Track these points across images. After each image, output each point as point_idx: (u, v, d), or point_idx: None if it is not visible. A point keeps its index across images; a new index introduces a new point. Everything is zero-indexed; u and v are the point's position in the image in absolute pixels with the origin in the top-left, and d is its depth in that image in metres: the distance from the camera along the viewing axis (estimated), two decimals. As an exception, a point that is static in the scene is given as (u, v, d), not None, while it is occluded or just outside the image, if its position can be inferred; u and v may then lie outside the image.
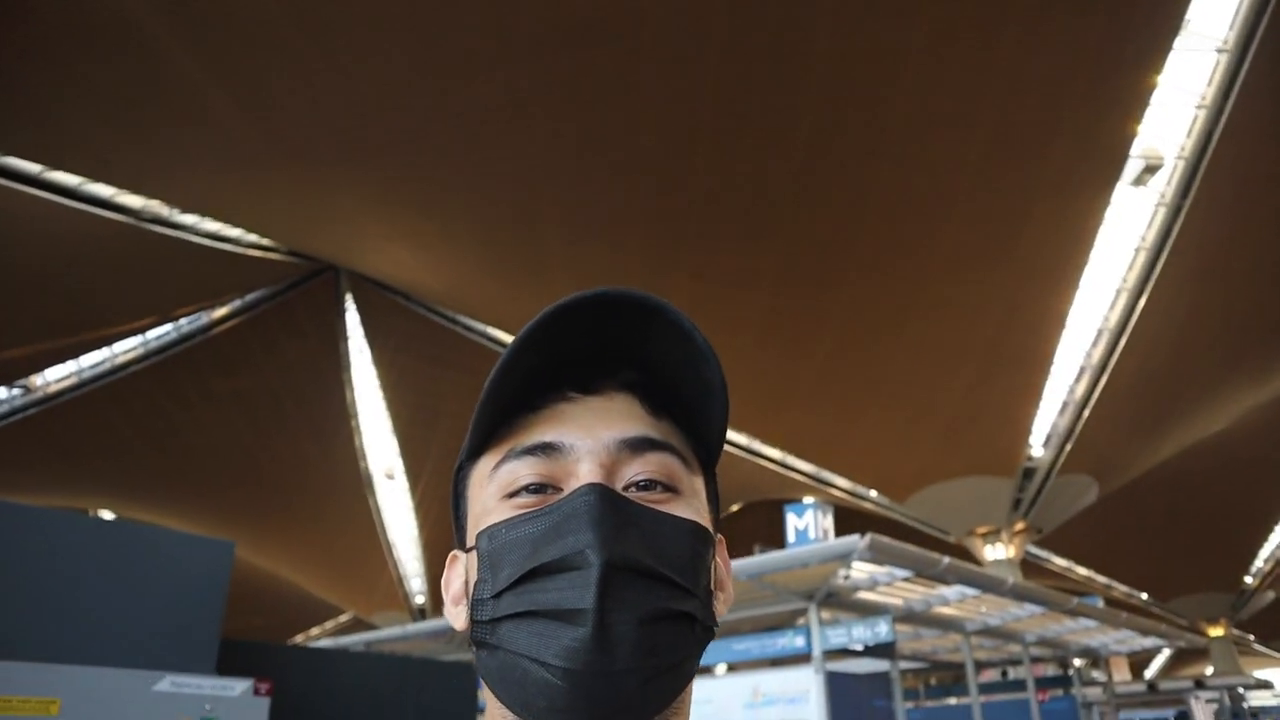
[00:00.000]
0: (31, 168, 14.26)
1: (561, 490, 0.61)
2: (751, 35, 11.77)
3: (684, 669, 0.59)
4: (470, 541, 0.64)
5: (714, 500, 0.70)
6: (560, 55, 11.85)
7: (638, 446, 0.63)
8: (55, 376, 20.71)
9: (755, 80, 12.49)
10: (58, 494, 23.31)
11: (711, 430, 0.68)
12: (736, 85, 12.54)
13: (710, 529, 0.65)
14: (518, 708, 0.57)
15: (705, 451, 0.69)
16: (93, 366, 20.72)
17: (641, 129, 13.28)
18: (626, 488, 0.62)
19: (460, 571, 0.66)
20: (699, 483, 0.67)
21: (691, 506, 0.64)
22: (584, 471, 0.61)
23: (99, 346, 20.06)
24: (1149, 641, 17.97)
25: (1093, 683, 18.61)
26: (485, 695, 0.63)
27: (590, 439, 0.62)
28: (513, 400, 0.63)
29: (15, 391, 20.60)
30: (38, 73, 11.51)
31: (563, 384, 0.65)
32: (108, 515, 26.10)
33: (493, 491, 0.62)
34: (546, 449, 0.62)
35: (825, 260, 15.99)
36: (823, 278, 16.41)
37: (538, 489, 0.61)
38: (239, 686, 3.12)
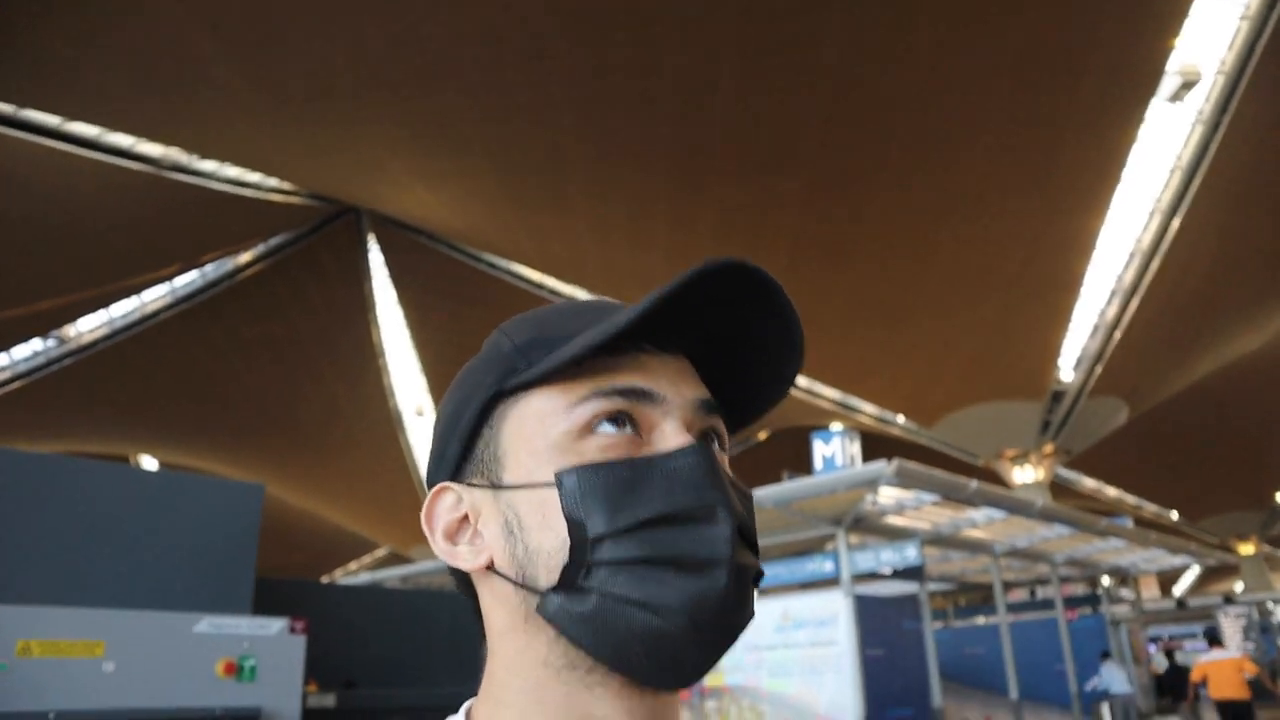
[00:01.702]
0: (51, 120, 14.28)
1: (641, 437, 0.59)
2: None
3: None
4: (523, 479, 0.59)
5: None
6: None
7: (709, 409, 0.62)
8: (87, 327, 21.04)
9: (781, 7, 12.16)
10: (99, 442, 23.88)
11: (749, 415, 0.68)
12: (762, 12, 12.22)
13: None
14: (605, 652, 0.54)
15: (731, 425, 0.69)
16: (123, 316, 21.02)
17: (664, 59, 13.02)
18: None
19: (453, 507, 0.62)
20: None
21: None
22: (670, 427, 0.59)
23: (128, 295, 20.31)
24: (1178, 560, 17.99)
25: (1121, 600, 18.74)
26: (519, 637, 0.59)
27: (676, 394, 0.60)
28: (616, 338, 0.59)
29: (50, 343, 20.98)
30: (52, 25, 11.44)
31: (643, 337, 0.62)
32: (149, 461, 26.74)
33: (567, 429, 0.58)
34: (638, 395, 0.59)
35: (852, 186, 15.73)
36: (849, 204, 16.17)
37: (617, 420, 0.58)
38: (275, 625, 3.21)
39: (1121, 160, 15.13)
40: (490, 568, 0.60)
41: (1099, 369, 20.55)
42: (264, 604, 3.60)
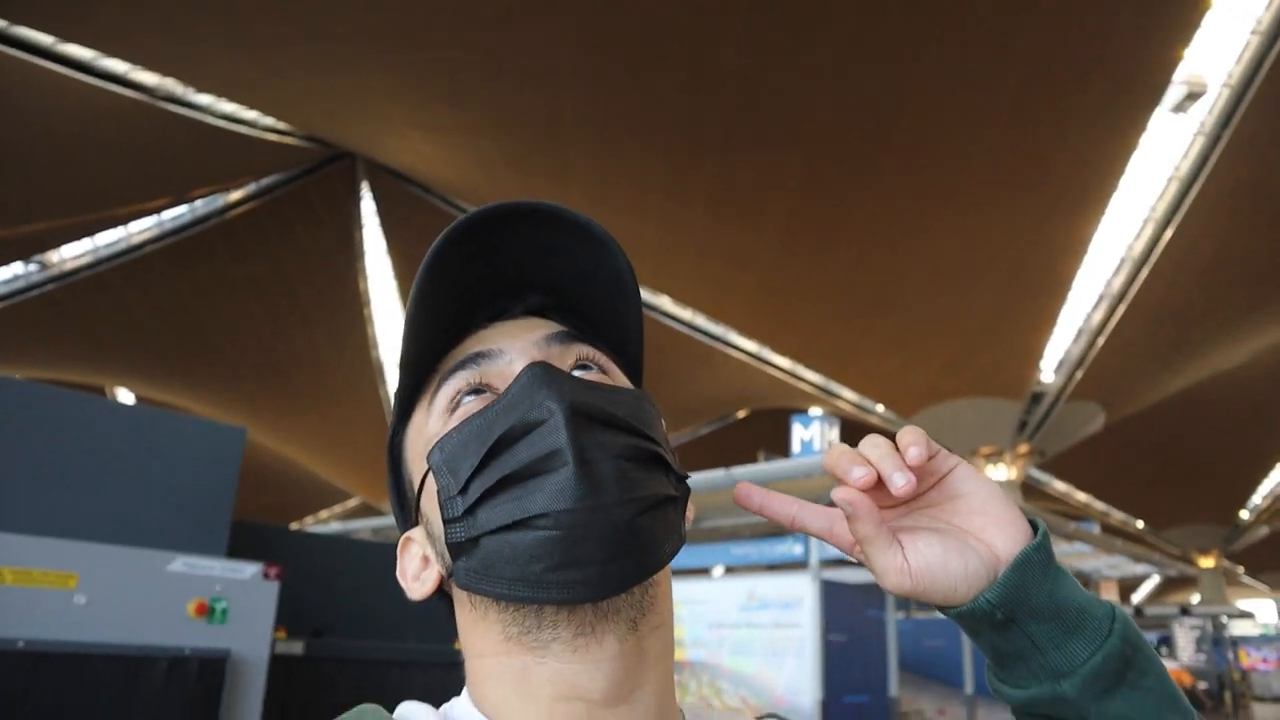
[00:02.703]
0: (44, 39, 13.97)
1: (499, 388, 0.61)
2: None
3: (669, 516, 0.57)
4: (418, 483, 0.62)
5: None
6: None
7: (565, 339, 0.63)
8: (71, 254, 20.75)
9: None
10: (75, 370, 23.64)
11: (629, 336, 0.68)
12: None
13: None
14: (513, 588, 0.54)
15: (628, 365, 0.68)
16: (108, 245, 20.73)
17: (667, 27, 12.88)
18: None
19: (416, 552, 0.64)
20: (622, 375, 0.67)
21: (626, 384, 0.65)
22: (521, 360, 0.61)
23: (114, 225, 20.02)
24: (1140, 568, 18.29)
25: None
26: (469, 639, 0.61)
27: (518, 341, 0.62)
28: (431, 353, 0.62)
29: (32, 267, 20.69)
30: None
31: (472, 325, 0.64)
32: (125, 394, 26.53)
33: (433, 421, 0.61)
34: (478, 358, 0.61)
35: (851, 170, 15.69)
36: (847, 188, 16.14)
37: (477, 390, 0.61)
38: (249, 570, 3.21)
39: (1121, 166, 15.15)
40: (439, 589, 0.62)
41: (1080, 373, 20.70)
42: (239, 548, 3.59)
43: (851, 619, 11.13)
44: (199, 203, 20.57)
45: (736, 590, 11.48)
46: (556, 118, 15.16)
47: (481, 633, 0.59)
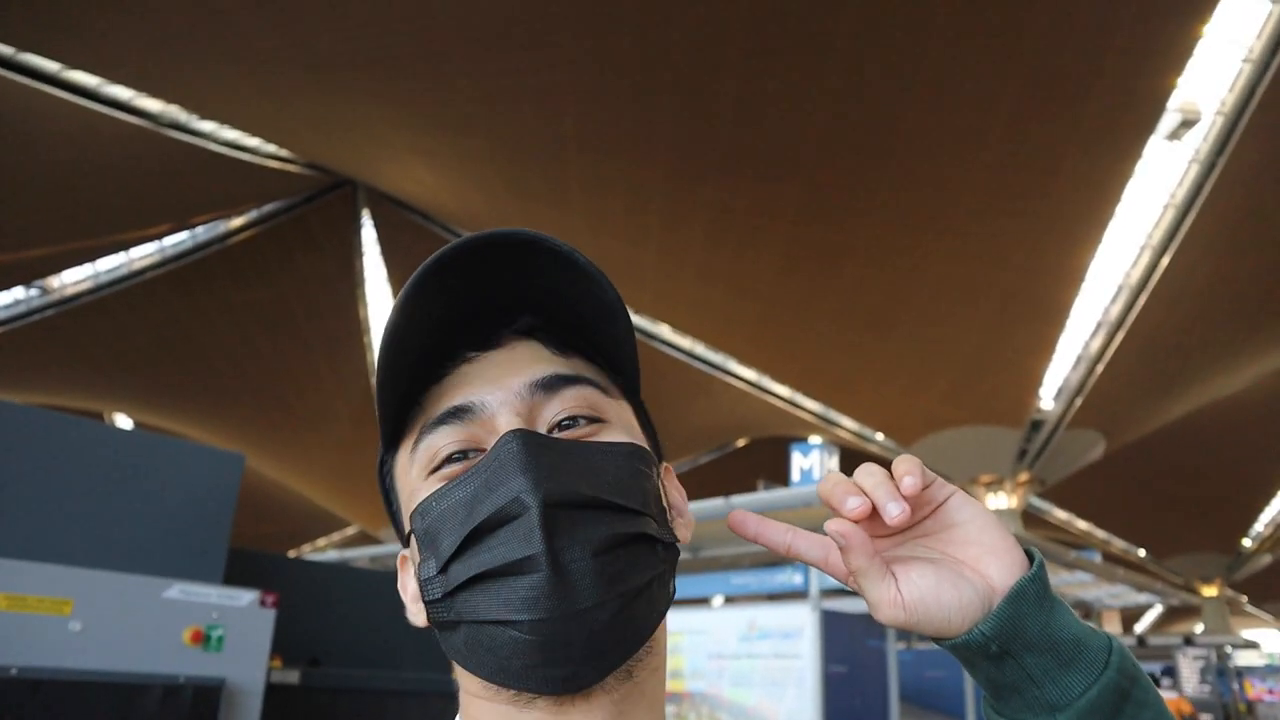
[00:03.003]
0: (50, 65, 14.10)
1: (484, 451, 0.59)
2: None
3: (653, 593, 0.57)
4: (409, 529, 0.62)
5: (649, 427, 0.68)
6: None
7: (551, 385, 0.61)
8: (72, 279, 20.80)
9: (786, 12, 12.17)
10: (74, 396, 23.61)
11: (623, 353, 0.66)
12: (767, 15, 12.22)
13: (648, 449, 0.63)
14: (495, 676, 0.55)
15: (624, 379, 0.67)
16: (109, 271, 20.80)
17: (667, 53, 13.00)
18: (550, 430, 0.60)
19: (412, 571, 0.63)
20: (626, 411, 0.66)
21: (621, 433, 0.63)
22: (502, 424, 0.59)
23: (116, 251, 20.09)
24: (1143, 598, 18.16)
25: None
26: (459, 675, 0.61)
27: (500, 390, 0.60)
28: (413, 378, 0.61)
29: (33, 292, 20.73)
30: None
31: (459, 347, 0.62)
32: (123, 420, 26.48)
33: (417, 473, 0.60)
34: (459, 413, 0.60)
35: (848, 199, 15.77)
36: (844, 216, 16.21)
37: (460, 456, 0.59)
38: (245, 597, 3.18)
39: (1116, 193, 15.23)
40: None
41: (1079, 401, 20.69)
42: (235, 575, 3.57)
43: (852, 649, 11.04)
44: (200, 229, 20.66)
45: (737, 620, 11.38)
46: (556, 144, 15.25)
47: (468, 676, 0.59)
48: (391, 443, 0.64)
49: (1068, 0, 11.99)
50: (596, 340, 0.65)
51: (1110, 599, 18.02)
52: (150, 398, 24.87)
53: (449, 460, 0.59)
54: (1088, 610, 19.14)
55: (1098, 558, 17.10)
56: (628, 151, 15.30)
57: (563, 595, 0.51)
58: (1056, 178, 14.87)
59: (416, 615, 0.62)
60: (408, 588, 0.64)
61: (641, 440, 0.63)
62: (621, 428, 0.63)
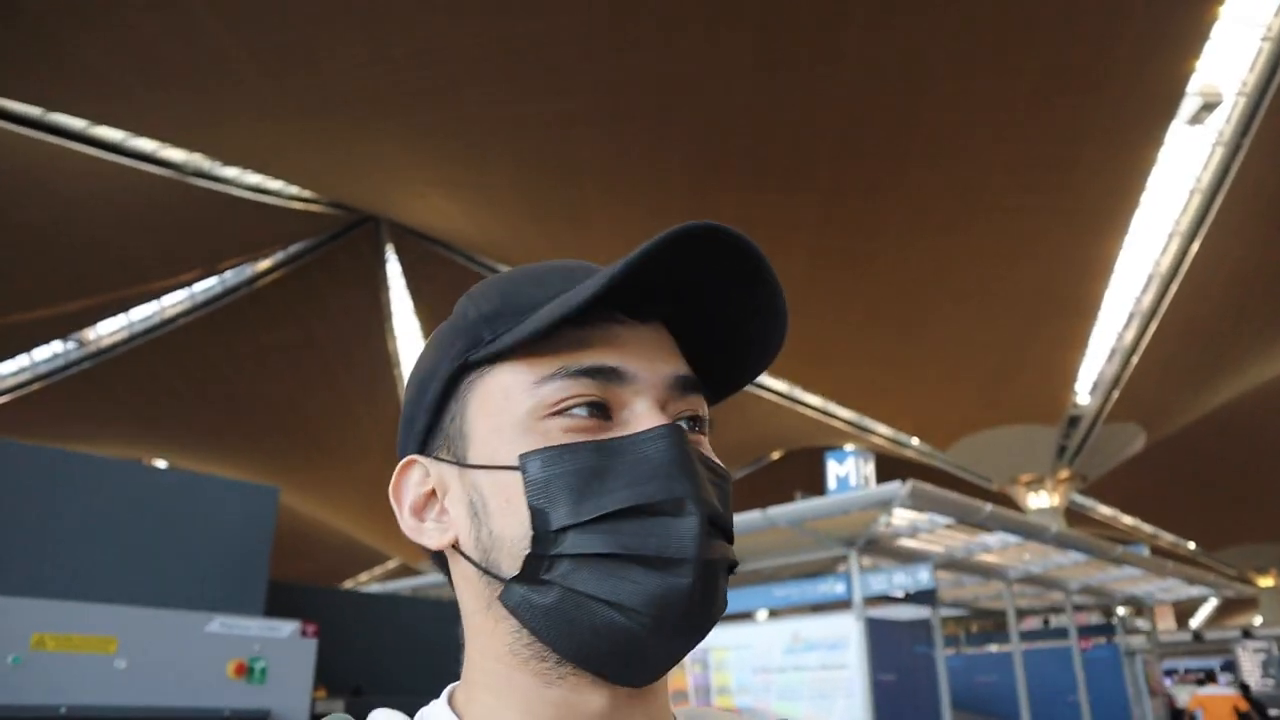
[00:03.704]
0: (77, 123, 14.45)
1: (611, 419, 0.56)
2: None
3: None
4: (485, 459, 0.56)
5: None
6: (601, 8, 11.67)
7: (686, 386, 0.59)
8: (107, 330, 21.20)
9: (797, 24, 12.21)
10: (114, 445, 24.01)
11: (731, 386, 0.65)
12: (778, 30, 12.26)
13: None
14: (571, 650, 0.52)
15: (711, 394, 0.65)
16: (142, 320, 21.17)
17: (680, 76, 13.07)
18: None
19: (421, 481, 0.60)
20: None
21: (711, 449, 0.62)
22: (642, 406, 0.56)
23: (148, 300, 20.46)
24: (1195, 591, 17.75)
25: (1136, 631, 18.49)
26: (487, 627, 0.57)
27: (650, 371, 0.57)
28: (579, 310, 0.55)
29: (70, 345, 21.15)
30: (81, 30, 11.60)
31: (611, 303, 0.57)
32: (161, 464, 26.87)
33: (531, 408, 0.55)
34: (607, 373, 0.56)
35: (868, 206, 15.73)
36: (866, 224, 16.16)
37: (594, 409, 0.55)
38: (286, 629, 3.20)
39: (1141, 182, 15.06)
40: (456, 547, 0.57)
41: (1116, 394, 20.39)
42: (276, 607, 3.59)
43: (899, 657, 10.90)
44: (228, 273, 21.00)
45: (780, 633, 11.29)
46: (573, 167, 15.36)
47: (489, 634, 0.56)
48: (492, 359, 0.58)
49: (1077, -9, 11.93)
50: (720, 358, 0.64)
51: (1162, 593, 17.65)
52: (187, 441, 25.22)
53: (580, 408, 0.55)
54: (1140, 606, 18.76)
55: (1146, 552, 16.77)
56: (645, 170, 15.38)
57: (697, 606, 0.51)
58: (1078, 170, 14.74)
59: (422, 532, 0.59)
60: (407, 493, 0.60)
61: None
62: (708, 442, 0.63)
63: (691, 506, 0.51)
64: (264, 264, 21.20)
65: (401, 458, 0.62)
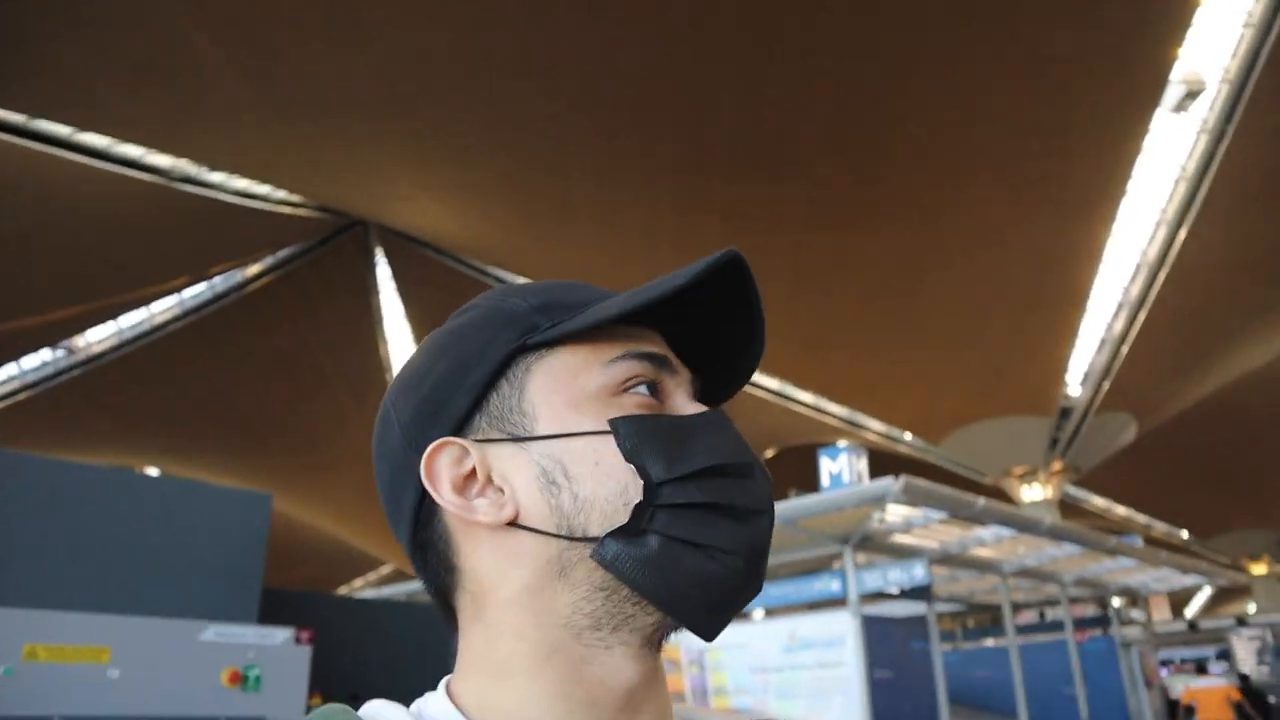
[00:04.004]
0: (62, 130, 14.37)
1: (662, 404, 0.62)
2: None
3: None
4: (561, 428, 0.59)
5: None
6: (583, 4, 11.65)
7: (698, 389, 0.67)
8: (97, 338, 21.09)
9: (780, 21, 12.22)
10: (105, 453, 23.89)
11: (713, 400, 0.70)
12: (761, 26, 12.27)
13: None
14: (662, 597, 0.56)
15: None
16: (132, 327, 21.07)
17: (666, 75, 13.08)
18: None
19: (455, 460, 0.59)
20: None
21: None
22: (683, 395, 0.63)
23: (137, 307, 20.37)
24: (1189, 580, 17.84)
25: (1131, 622, 18.57)
26: (522, 607, 0.57)
27: (686, 370, 0.66)
28: (638, 309, 0.61)
29: (59, 353, 21.03)
30: (64, 37, 11.53)
31: (644, 312, 0.63)
32: (153, 473, 26.75)
33: (604, 384, 0.60)
34: (663, 362, 0.63)
35: (855, 199, 15.75)
36: (853, 217, 16.19)
37: (653, 389, 0.62)
38: (280, 636, 3.19)
39: (1126, 171, 15.11)
40: (515, 522, 0.58)
41: (1106, 384, 20.47)
42: (271, 614, 3.57)
43: (896, 654, 10.91)
44: (218, 279, 20.91)
45: (777, 632, 11.30)
46: (561, 169, 15.35)
47: (539, 609, 0.57)
48: (551, 343, 0.61)
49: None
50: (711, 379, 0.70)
51: (1156, 583, 17.74)
52: (179, 449, 25.12)
53: (645, 390, 0.61)
54: (1135, 597, 18.84)
55: (1139, 543, 16.84)
56: (633, 171, 15.38)
57: (764, 553, 0.59)
58: (1064, 159, 14.78)
59: (485, 510, 0.59)
60: (443, 475, 0.59)
61: None
62: None
63: (758, 472, 0.60)
64: (253, 269, 21.11)
65: (412, 444, 0.61)
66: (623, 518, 0.56)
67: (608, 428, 0.58)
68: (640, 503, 0.56)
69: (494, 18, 11.93)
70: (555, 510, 0.57)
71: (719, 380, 0.70)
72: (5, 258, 16.31)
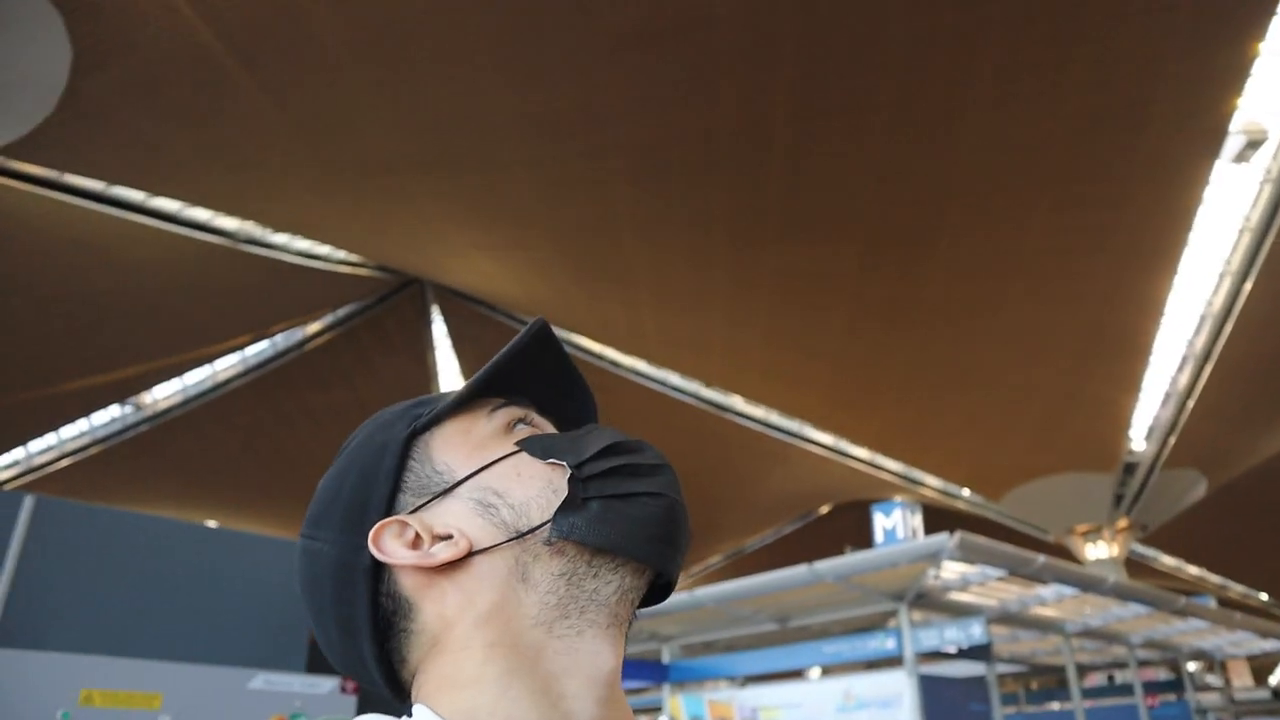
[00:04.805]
0: (135, 195, 15.04)
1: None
2: (825, 27, 11.65)
3: None
4: (481, 462, 0.68)
5: None
6: (635, 59, 11.92)
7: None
8: (163, 394, 21.76)
9: (830, 70, 12.35)
10: (168, 506, 24.47)
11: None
12: (812, 76, 12.42)
13: None
14: (622, 543, 0.63)
15: None
16: (197, 384, 21.71)
17: (717, 129, 13.26)
18: None
19: (399, 532, 0.64)
20: None
21: None
22: (552, 429, 0.77)
23: (202, 364, 21.00)
24: (1269, 644, 17.02)
25: (1208, 688, 17.73)
26: (483, 632, 0.61)
27: (546, 419, 0.78)
28: (486, 383, 0.73)
29: (128, 409, 21.72)
30: (138, 110, 12.15)
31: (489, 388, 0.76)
32: (212, 524, 27.26)
33: (495, 428, 0.71)
34: (528, 409, 0.75)
35: (909, 251, 15.67)
36: (907, 269, 16.09)
37: (527, 423, 0.74)
38: (327, 685, 3.23)
39: (1187, 221, 14.83)
40: (470, 554, 0.64)
41: (1173, 439, 19.85)
42: (318, 663, 3.63)
43: (955, 715, 10.57)
44: (279, 337, 21.49)
45: (832, 691, 11.03)
46: (614, 226, 15.56)
47: (507, 617, 0.62)
48: (434, 421, 0.72)
49: (1113, 32, 11.91)
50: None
51: (1232, 647, 16.96)
52: (239, 502, 25.62)
53: (521, 423, 0.73)
54: (1211, 662, 18.00)
55: (1212, 604, 16.15)
56: (685, 227, 15.52)
57: (679, 491, 0.68)
58: (1121, 211, 14.58)
59: (440, 551, 0.63)
60: (396, 545, 0.64)
61: None
62: None
63: (647, 444, 0.70)
64: (313, 327, 21.68)
65: (350, 544, 0.65)
66: (555, 502, 0.64)
67: (517, 449, 0.68)
68: (570, 478, 0.65)
69: (546, 77, 12.27)
70: (500, 525, 0.64)
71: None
72: (79, 318, 17.00)
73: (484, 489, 0.66)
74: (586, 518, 0.63)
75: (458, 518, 0.65)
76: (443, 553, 0.63)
